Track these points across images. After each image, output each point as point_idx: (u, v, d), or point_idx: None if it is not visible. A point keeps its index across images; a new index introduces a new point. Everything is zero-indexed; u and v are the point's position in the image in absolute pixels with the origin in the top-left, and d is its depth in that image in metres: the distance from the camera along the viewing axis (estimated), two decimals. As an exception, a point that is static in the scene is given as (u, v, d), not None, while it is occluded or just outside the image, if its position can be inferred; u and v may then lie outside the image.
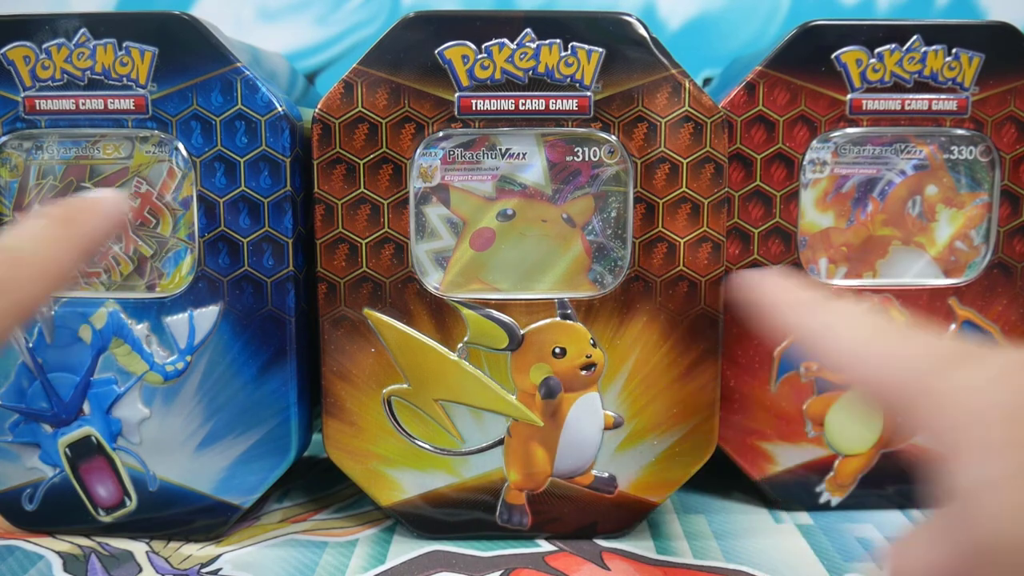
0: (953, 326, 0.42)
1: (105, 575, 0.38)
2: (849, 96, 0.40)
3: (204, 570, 0.38)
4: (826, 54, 0.40)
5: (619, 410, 0.39)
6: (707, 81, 0.58)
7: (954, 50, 0.40)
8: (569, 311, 0.38)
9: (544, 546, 0.40)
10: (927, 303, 0.42)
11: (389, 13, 0.55)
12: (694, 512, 0.44)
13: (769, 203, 0.41)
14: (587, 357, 0.39)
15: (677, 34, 0.61)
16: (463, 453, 0.40)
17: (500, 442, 0.39)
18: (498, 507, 0.40)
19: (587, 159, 0.38)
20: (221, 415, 0.39)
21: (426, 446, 0.39)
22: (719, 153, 0.37)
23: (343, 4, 0.54)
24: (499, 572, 0.38)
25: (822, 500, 0.43)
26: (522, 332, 0.38)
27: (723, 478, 0.45)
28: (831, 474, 0.43)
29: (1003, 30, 0.40)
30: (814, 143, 0.41)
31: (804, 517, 0.43)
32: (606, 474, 0.40)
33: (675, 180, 0.37)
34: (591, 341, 0.39)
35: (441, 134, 0.38)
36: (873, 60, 0.40)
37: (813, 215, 0.42)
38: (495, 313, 0.38)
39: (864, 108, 0.40)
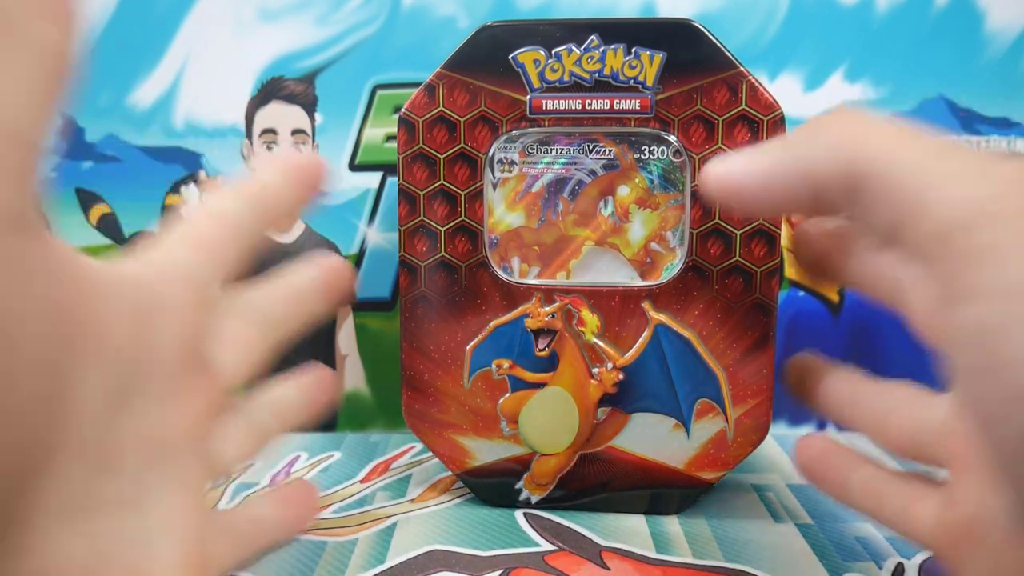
0: (646, 332, 0.41)
1: None
2: (529, 96, 0.40)
3: None
4: (504, 55, 0.40)
5: None
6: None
7: (634, 49, 0.39)
8: None
9: (544, 545, 0.40)
10: (620, 305, 0.41)
11: (389, 13, 0.54)
12: (694, 512, 0.44)
13: (455, 202, 0.42)
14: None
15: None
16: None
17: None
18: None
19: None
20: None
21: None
22: None
23: (343, 4, 0.54)
24: (499, 572, 0.38)
25: (522, 497, 0.44)
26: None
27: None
28: (528, 472, 0.43)
29: (684, 28, 0.39)
30: (500, 142, 0.41)
31: (804, 517, 0.43)
32: None
33: None
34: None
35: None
36: (551, 60, 0.40)
37: (503, 214, 0.42)
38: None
39: (544, 108, 0.40)
